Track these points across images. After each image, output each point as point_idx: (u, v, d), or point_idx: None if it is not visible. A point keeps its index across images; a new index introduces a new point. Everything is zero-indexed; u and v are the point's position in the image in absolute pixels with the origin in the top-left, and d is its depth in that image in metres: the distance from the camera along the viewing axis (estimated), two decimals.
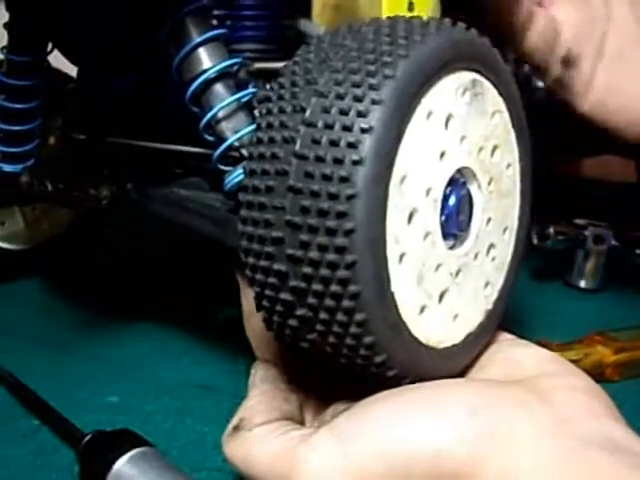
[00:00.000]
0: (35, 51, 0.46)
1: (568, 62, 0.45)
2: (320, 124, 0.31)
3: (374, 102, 0.31)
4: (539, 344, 0.46)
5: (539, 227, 0.60)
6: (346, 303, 0.31)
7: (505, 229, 0.39)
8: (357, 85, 0.31)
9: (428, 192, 0.33)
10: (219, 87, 0.40)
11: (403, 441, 0.30)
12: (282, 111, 0.33)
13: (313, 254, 0.31)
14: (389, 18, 0.35)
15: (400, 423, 0.31)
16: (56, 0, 0.43)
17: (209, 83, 0.40)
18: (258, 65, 0.46)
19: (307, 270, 0.31)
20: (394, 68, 0.31)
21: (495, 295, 0.38)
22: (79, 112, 0.51)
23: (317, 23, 0.63)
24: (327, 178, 0.30)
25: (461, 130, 0.35)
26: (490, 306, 0.38)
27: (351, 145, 0.30)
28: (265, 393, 0.36)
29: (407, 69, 0.32)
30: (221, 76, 0.40)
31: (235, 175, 0.39)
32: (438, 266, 0.34)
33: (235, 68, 0.41)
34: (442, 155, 0.34)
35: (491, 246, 0.38)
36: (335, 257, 0.30)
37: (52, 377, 0.47)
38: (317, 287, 0.31)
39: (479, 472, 0.30)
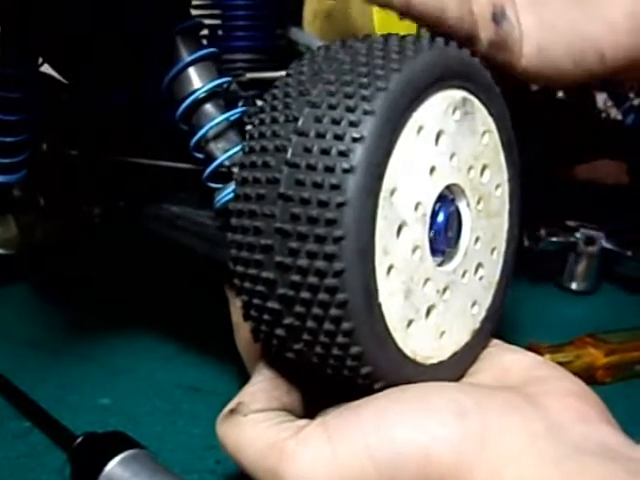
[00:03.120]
0: (26, 64, 0.47)
1: (497, 17, 0.40)
2: (312, 133, 0.32)
3: (366, 112, 0.31)
4: (529, 347, 0.46)
5: (530, 229, 0.60)
6: (334, 311, 0.31)
7: (493, 249, 0.39)
8: (349, 96, 0.32)
9: (417, 206, 0.33)
10: (209, 107, 0.40)
11: (391, 440, 0.30)
12: (274, 121, 0.33)
13: (302, 261, 0.31)
14: (382, 35, 0.35)
15: (388, 423, 0.31)
16: (47, 15, 0.43)
17: (199, 103, 0.40)
18: (250, 75, 0.46)
19: (295, 278, 0.31)
20: (386, 81, 0.32)
21: (482, 314, 0.38)
22: (70, 126, 0.51)
23: (308, 32, 0.63)
24: (318, 186, 0.31)
25: (451, 147, 0.35)
26: (477, 325, 0.38)
27: (342, 154, 0.31)
28: (268, 381, 0.36)
29: (399, 82, 0.32)
30: (211, 95, 0.40)
31: (225, 193, 0.40)
32: (426, 281, 0.34)
33: (225, 86, 0.41)
34: (432, 170, 0.34)
35: (479, 265, 0.38)
36: (324, 264, 0.31)
37: (43, 379, 0.47)
38: (305, 295, 0.31)
39: (467, 476, 0.30)
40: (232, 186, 0.37)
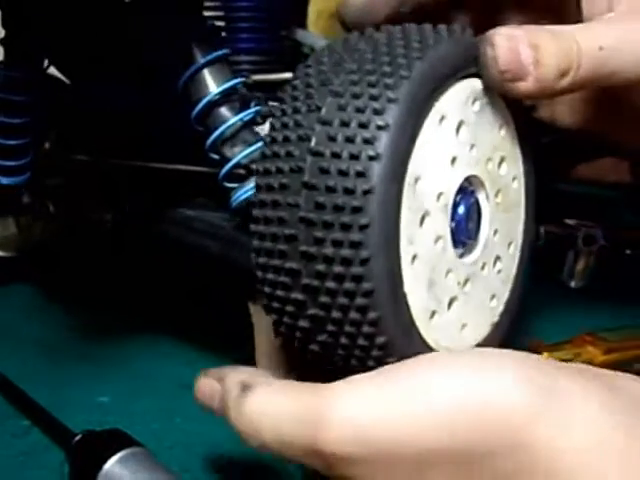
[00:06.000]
0: (32, 67, 0.47)
1: None
2: (336, 122, 0.31)
3: (390, 100, 0.31)
4: (528, 345, 0.47)
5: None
6: (359, 300, 0.31)
7: (510, 243, 0.39)
8: (373, 85, 0.32)
9: (439, 196, 0.33)
10: (224, 108, 0.41)
11: (450, 390, 0.29)
12: (297, 111, 0.33)
13: (327, 250, 0.31)
14: (400, 25, 0.35)
15: (450, 375, 0.29)
16: (53, 18, 0.43)
17: (214, 105, 0.40)
18: (256, 77, 0.46)
19: (320, 267, 0.31)
20: (409, 69, 0.32)
21: (501, 307, 0.39)
22: (79, 130, 0.51)
23: (313, 32, 0.63)
24: (343, 173, 0.31)
25: (471, 138, 0.35)
26: (496, 318, 0.38)
27: (367, 141, 0.31)
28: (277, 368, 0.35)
29: (422, 70, 0.32)
30: (225, 97, 0.41)
31: (243, 191, 0.40)
32: (448, 272, 0.34)
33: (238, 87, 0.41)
34: (453, 161, 0.34)
35: (497, 258, 0.38)
36: (349, 253, 0.30)
37: (42, 377, 0.47)
38: (330, 285, 0.31)
39: (531, 428, 0.28)
40: (249, 184, 0.38)
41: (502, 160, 0.37)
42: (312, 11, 0.65)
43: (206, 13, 0.48)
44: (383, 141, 0.31)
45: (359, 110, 0.31)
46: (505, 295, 0.39)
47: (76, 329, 0.52)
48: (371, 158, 0.31)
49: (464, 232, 0.36)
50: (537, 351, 0.46)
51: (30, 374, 0.47)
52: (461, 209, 0.35)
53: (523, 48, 0.33)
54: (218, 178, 0.40)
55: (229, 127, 0.40)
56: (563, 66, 0.34)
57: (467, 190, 0.36)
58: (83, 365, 0.48)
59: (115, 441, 0.36)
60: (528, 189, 0.40)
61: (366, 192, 0.30)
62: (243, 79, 0.41)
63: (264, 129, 0.40)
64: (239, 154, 0.40)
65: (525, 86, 0.34)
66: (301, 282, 0.32)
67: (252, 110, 0.41)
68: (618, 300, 0.58)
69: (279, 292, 0.33)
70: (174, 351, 0.50)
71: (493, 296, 0.38)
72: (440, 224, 0.34)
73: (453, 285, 0.35)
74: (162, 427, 0.42)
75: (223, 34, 0.48)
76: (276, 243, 0.32)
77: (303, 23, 0.63)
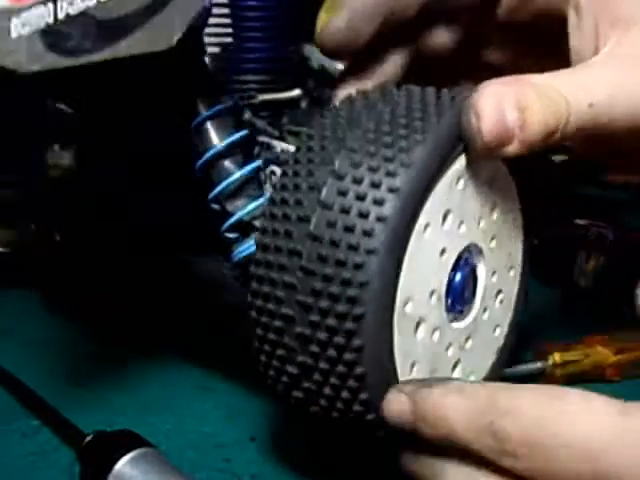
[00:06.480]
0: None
1: None
2: (336, 207, 0.31)
3: (391, 190, 0.31)
4: (540, 346, 0.46)
5: (539, 228, 0.59)
6: (348, 356, 0.31)
7: (510, 268, 0.39)
8: (374, 170, 0.31)
9: (432, 294, 0.34)
10: (227, 162, 0.40)
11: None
12: (297, 188, 0.33)
13: (323, 303, 0.31)
14: (404, 96, 0.34)
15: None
16: None
17: (217, 158, 0.40)
18: (262, 97, 0.46)
19: (315, 318, 0.31)
20: (410, 155, 0.31)
21: (505, 331, 0.39)
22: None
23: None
24: (349, 229, 0.31)
25: (458, 218, 0.34)
26: (501, 342, 0.39)
27: (377, 202, 0.31)
28: None
29: (437, 136, 0.32)
30: (229, 150, 0.40)
31: (244, 248, 0.39)
32: (448, 347, 0.35)
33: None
34: (442, 252, 0.34)
35: (499, 292, 0.38)
36: (344, 308, 0.31)
37: (52, 377, 0.47)
38: (322, 335, 0.31)
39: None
40: (251, 241, 0.38)
41: (494, 206, 0.37)
42: (319, 26, 0.66)
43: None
44: (379, 234, 0.30)
45: (372, 169, 0.31)
46: (508, 318, 0.39)
47: (87, 329, 0.52)
48: (379, 219, 0.30)
49: (460, 302, 0.36)
50: (547, 352, 0.46)
51: (40, 373, 0.47)
52: (457, 280, 0.35)
53: (509, 111, 0.32)
54: (219, 230, 0.40)
55: (233, 182, 0.40)
56: (551, 126, 0.33)
57: (461, 261, 0.35)
58: (94, 365, 0.48)
59: (126, 442, 0.36)
60: (525, 209, 0.39)
61: (369, 251, 0.30)
62: (246, 132, 0.41)
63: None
64: (242, 209, 0.40)
65: (512, 149, 0.33)
66: (294, 330, 0.32)
67: (256, 164, 0.40)
68: (628, 300, 0.58)
69: (271, 336, 0.33)
70: (186, 352, 0.50)
71: (496, 327, 0.38)
72: (435, 319, 0.34)
73: (454, 353, 0.35)
74: (174, 428, 0.42)
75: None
76: (274, 288, 0.32)
77: (311, 38, 0.63)
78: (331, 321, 0.31)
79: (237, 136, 0.40)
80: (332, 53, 0.42)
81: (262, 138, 0.42)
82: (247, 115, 0.42)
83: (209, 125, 0.40)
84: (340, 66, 0.58)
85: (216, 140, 0.40)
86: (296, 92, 0.56)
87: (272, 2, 0.54)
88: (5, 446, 0.41)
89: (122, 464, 0.35)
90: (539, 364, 0.46)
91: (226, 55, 0.53)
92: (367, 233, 0.30)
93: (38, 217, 0.51)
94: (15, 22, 0.29)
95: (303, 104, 0.56)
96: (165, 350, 0.51)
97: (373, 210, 0.30)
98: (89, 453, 0.37)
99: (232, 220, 0.40)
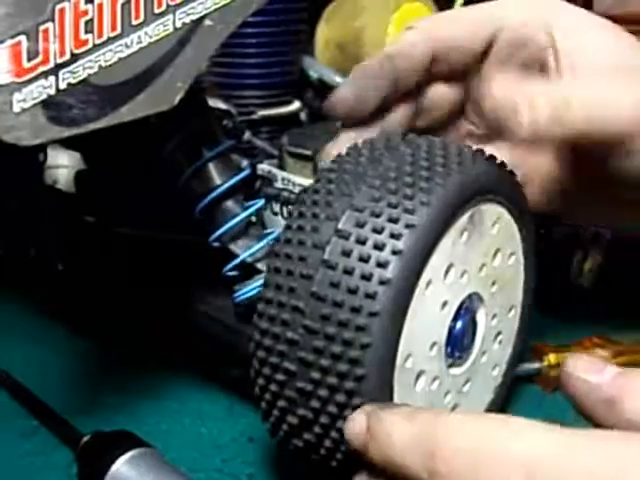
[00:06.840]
0: None
1: None
2: (352, 238, 0.31)
3: (394, 252, 0.31)
4: (536, 347, 0.46)
5: (537, 227, 0.59)
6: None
7: (511, 308, 0.38)
8: (378, 231, 0.31)
9: (432, 347, 0.33)
10: (230, 203, 0.40)
11: None
12: (315, 217, 0.32)
13: (324, 361, 0.31)
14: (410, 154, 0.34)
15: None
16: None
17: (220, 200, 0.40)
18: (262, 112, 0.46)
19: (315, 375, 0.31)
20: (429, 194, 0.31)
21: (504, 369, 0.39)
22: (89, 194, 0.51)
23: (320, 60, 0.63)
24: (351, 291, 0.31)
25: (460, 270, 0.34)
26: (499, 381, 0.38)
27: (368, 296, 0.30)
28: None
29: (443, 197, 0.32)
30: (231, 191, 0.40)
31: (248, 289, 0.39)
32: (446, 394, 0.35)
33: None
34: (444, 305, 0.34)
35: (498, 334, 0.38)
36: (345, 368, 0.31)
37: (50, 377, 0.47)
38: (322, 393, 0.31)
39: None
40: (254, 283, 0.38)
41: (497, 252, 0.36)
42: (320, 39, 0.66)
43: None
44: (382, 297, 0.30)
45: (376, 231, 0.31)
46: (507, 356, 0.39)
47: (84, 328, 0.52)
48: (382, 282, 0.30)
49: (459, 348, 0.35)
50: (543, 352, 0.46)
51: (38, 374, 0.47)
52: (457, 328, 0.35)
53: None
54: (222, 271, 0.40)
55: (237, 223, 0.40)
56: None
57: (461, 310, 0.35)
58: (91, 364, 0.48)
59: (124, 442, 0.37)
60: (527, 251, 0.39)
61: (372, 314, 0.30)
62: (248, 172, 0.41)
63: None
64: (245, 251, 0.39)
65: None
66: (296, 384, 0.32)
67: (258, 205, 0.40)
68: (627, 301, 0.58)
69: (273, 387, 0.33)
70: (187, 352, 0.50)
71: (495, 366, 0.38)
72: (435, 370, 0.34)
73: (452, 397, 0.35)
74: (171, 428, 0.42)
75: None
76: (276, 342, 0.32)
77: (311, 51, 0.64)
78: (332, 379, 0.31)
79: (239, 177, 0.40)
80: (342, 120, 0.43)
81: (262, 167, 0.42)
82: (247, 135, 0.42)
83: (211, 167, 0.40)
84: (339, 79, 0.58)
85: (218, 181, 0.40)
86: (295, 105, 0.56)
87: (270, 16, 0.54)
88: (3, 446, 0.41)
89: (120, 464, 0.36)
90: (535, 365, 0.46)
91: (224, 71, 0.53)
92: (370, 296, 0.30)
93: (39, 243, 0.51)
94: (17, 96, 0.28)
95: (302, 116, 0.56)
96: (163, 350, 0.51)
97: (376, 272, 0.30)
98: (87, 453, 0.38)
99: (235, 262, 0.40)
